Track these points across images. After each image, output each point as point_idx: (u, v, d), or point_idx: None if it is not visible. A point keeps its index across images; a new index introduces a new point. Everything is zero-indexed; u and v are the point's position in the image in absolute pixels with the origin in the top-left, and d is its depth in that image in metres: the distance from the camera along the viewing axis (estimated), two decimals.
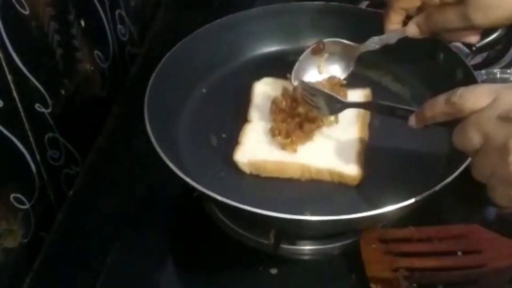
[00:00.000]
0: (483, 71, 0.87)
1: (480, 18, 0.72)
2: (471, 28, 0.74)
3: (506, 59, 0.93)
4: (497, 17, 0.72)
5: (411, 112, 0.65)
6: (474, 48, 0.93)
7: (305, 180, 0.74)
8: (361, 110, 0.79)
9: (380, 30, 0.80)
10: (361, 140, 0.76)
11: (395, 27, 0.79)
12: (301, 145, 0.75)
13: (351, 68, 0.84)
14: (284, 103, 0.78)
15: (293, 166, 0.74)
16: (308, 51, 0.82)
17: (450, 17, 0.73)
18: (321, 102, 0.74)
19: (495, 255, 0.67)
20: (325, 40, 0.83)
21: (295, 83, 0.80)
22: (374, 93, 0.83)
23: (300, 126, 0.76)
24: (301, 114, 0.77)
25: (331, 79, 0.82)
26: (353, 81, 0.84)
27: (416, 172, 0.74)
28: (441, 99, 0.60)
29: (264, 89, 0.83)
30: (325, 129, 0.77)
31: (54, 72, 0.82)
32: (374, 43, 0.80)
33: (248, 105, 0.82)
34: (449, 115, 0.59)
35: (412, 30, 0.77)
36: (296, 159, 0.74)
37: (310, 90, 0.75)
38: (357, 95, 0.82)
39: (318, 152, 0.75)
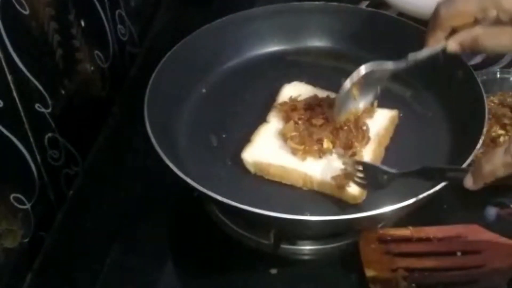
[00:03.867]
0: (483, 71, 0.87)
1: None
2: None
3: (506, 59, 0.93)
4: None
5: (465, 172, 0.60)
6: None
7: (307, 190, 0.73)
8: (381, 131, 0.76)
9: (378, 30, 0.80)
10: (373, 162, 0.73)
11: (438, 43, 0.72)
12: (311, 157, 0.74)
13: (381, 88, 0.78)
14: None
15: (296, 174, 0.73)
16: (348, 84, 0.74)
17: (504, 40, 0.66)
18: (367, 175, 0.69)
19: (494, 255, 0.67)
20: (365, 69, 0.74)
21: (338, 119, 0.75)
22: (400, 113, 0.80)
23: (320, 142, 0.74)
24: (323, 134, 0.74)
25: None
26: None
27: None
28: (499, 150, 0.56)
29: (292, 93, 0.81)
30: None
31: (54, 72, 0.82)
32: (411, 60, 0.73)
33: (263, 105, 0.82)
34: (510, 166, 0.56)
35: (454, 48, 0.71)
36: (301, 167, 0.73)
37: (355, 165, 0.70)
38: (383, 115, 0.78)
39: (325, 164, 0.73)
